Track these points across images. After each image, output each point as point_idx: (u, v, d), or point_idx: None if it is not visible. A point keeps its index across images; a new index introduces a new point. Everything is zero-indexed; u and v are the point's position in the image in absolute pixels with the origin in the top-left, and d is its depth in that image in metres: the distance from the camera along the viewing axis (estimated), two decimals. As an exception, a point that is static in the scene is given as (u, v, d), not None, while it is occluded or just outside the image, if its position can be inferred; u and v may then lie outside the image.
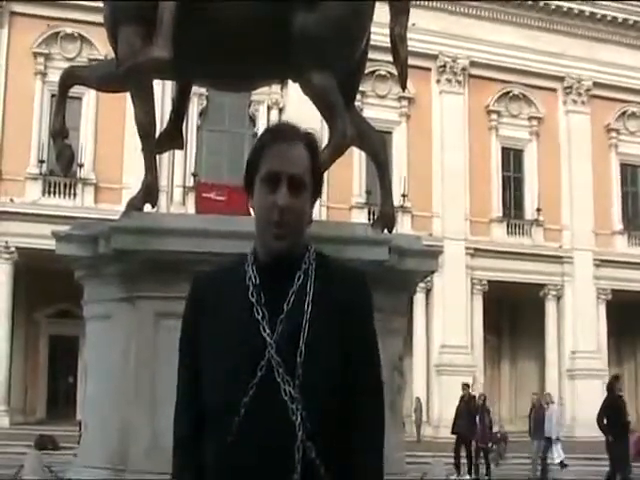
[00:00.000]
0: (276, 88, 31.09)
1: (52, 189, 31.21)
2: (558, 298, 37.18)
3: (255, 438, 2.04)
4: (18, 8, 31.58)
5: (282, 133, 2.24)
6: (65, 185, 31.30)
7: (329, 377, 2.10)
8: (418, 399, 32.94)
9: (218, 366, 2.13)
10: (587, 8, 37.90)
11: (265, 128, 2.31)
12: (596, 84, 38.08)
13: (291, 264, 2.19)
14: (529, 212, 37.50)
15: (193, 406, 2.21)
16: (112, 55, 5.97)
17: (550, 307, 37.10)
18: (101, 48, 28.79)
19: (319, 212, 29.92)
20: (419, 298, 33.29)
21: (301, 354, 2.08)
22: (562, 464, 18.58)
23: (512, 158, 37.96)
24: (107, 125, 30.63)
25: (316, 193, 2.26)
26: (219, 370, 2.12)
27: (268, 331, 2.10)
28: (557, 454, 20.42)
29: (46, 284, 29.87)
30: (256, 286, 2.17)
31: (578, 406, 35.44)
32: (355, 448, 2.14)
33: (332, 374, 2.11)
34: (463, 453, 19.56)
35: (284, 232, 2.15)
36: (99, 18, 7.54)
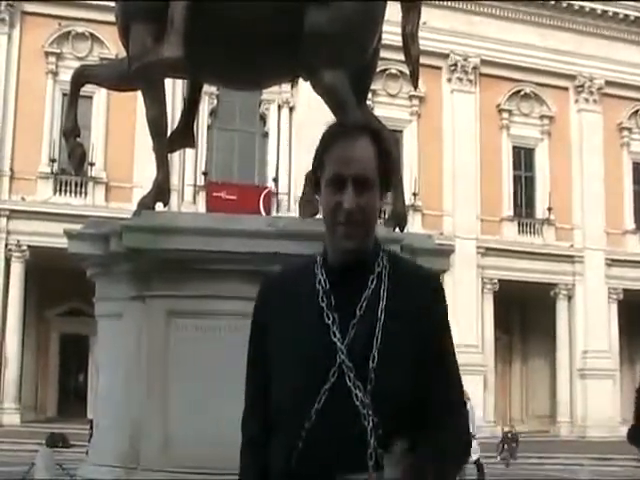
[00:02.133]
0: (287, 87, 31.07)
1: (63, 188, 31.28)
2: (569, 297, 37.05)
3: (326, 443, 2.02)
4: (30, 8, 31.66)
5: (344, 131, 2.20)
6: (76, 184, 31.36)
7: (401, 384, 2.07)
8: None
9: (289, 370, 2.11)
10: (599, 6, 37.72)
11: (328, 126, 2.27)
12: (608, 82, 37.91)
13: (363, 266, 2.16)
14: (540, 211, 37.37)
15: (262, 407, 2.19)
16: (123, 54, 5.97)
17: (561, 306, 36.96)
18: (112, 47, 28.86)
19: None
20: (429, 297, 33.18)
21: (374, 360, 2.05)
22: (477, 463, 17.73)
23: (523, 157, 37.84)
24: (118, 124, 30.68)
25: (386, 186, 2.21)
26: (290, 374, 2.10)
27: (339, 336, 2.07)
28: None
29: (57, 282, 29.96)
30: (326, 290, 2.13)
31: (590, 406, 35.33)
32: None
33: (404, 381, 2.07)
34: None
35: (353, 232, 2.12)
36: (110, 17, 7.56)
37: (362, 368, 2.04)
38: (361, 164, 2.13)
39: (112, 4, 6.15)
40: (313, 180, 2.25)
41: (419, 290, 2.18)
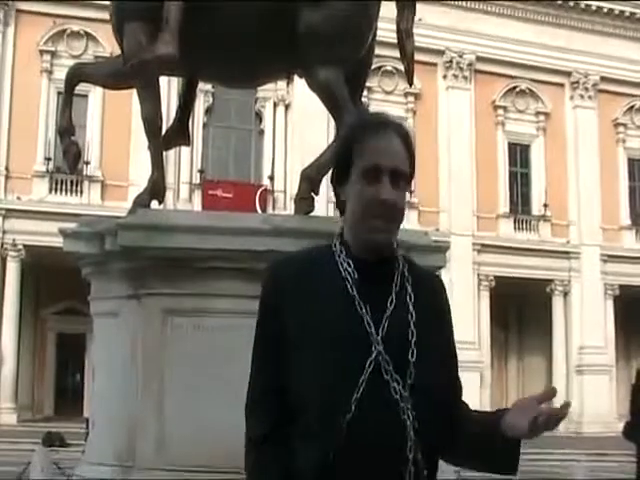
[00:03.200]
0: (282, 84, 31.05)
1: (59, 187, 31.24)
2: (565, 294, 37.10)
3: (365, 437, 1.97)
4: (24, 6, 31.59)
5: (375, 125, 2.17)
6: (72, 182, 31.32)
7: (438, 377, 2.07)
8: None
9: (321, 364, 2.01)
10: (594, 2, 37.73)
11: (356, 121, 2.26)
12: (603, 79, 37.94)
13: (388, 262, 2.15)
14: (536, 207, 37.41)
15: (276, 400, 2.09)
16: (118, 52, 5.96)
17: (557, 303, 37.01)
18: (107, 45, 28.84)
19: (326, 208, 29.91)
20: (426, 294, 33.18)
21: (413, 354, 2.03)
22: None
23: (519, 153, 37.86)
24: (113, 122, 30.63)
25: (410, 182, 2.23)
26: (319, 364, 2.01)
27: (373, 327, 2.03)
28: None
29: (53, 281, 29.94)
30: (356, 280, 2.08)
31: (586, 401, 35.37)
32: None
33: (440, 374, 2.08)
34: None
35: (385, 226, 2.10)
36: (105, 15, 7.54)
37: (400, 361, 2.01)
38: (398, 157, 2.14)
39: (107, 2, 6.13)
40: (337, 172, 2.18)
41: (434, 290, 2.22)
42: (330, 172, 2.26)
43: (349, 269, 2.09)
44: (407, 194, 2.22)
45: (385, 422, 1.98)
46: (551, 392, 2.01)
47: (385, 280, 2.11)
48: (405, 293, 2.10)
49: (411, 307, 2.08)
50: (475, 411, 2.21)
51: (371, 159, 2.10)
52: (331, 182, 2.22)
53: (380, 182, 2.09)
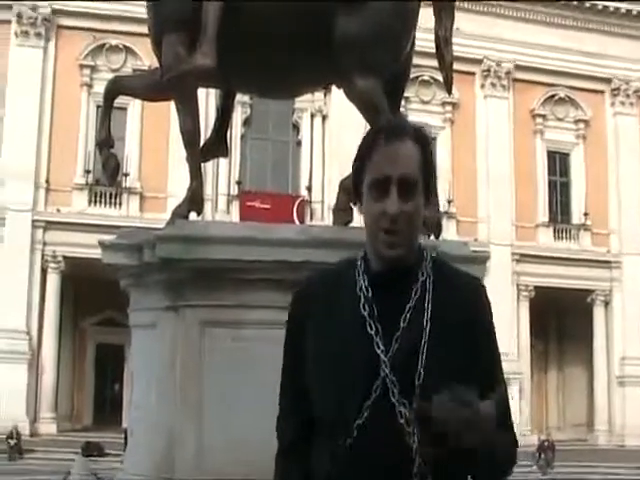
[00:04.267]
0: (319, 95, 31.14)
1: (98, 199, 31.61)
2: (606, 304, 36.66)
3: (368, 462, 1.92)
4: (65, 22, 32.12)
5: (387, 132, 2.07)
6: (111, 195, 31.68)
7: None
8: None
9: (329, 380, 1.99)
10: (635, 7, 37.34)
11: (369, 129, 2.17)
12: (645, 85, 37.56)
13: (407, 274, 2.05)
14: (576, 216, 37.05)
15: (299, 413, 2.10)
16: (156, 65, 5.99)
17: (598, 313, 36.58)
18: (145, 58, 29.14)
19: (360, 220, 29.83)
20: (464, 305, 32.93)
21: (420, 377, 1.94)
22: None
23: (558, 162, 37.55)
24: (152, 134, 30.94)
25: (429, 190, 2.09)
26: (331, 385, 1.99)
27: (382, 348, 1.96)
28: None
29: (92, 293, 30.25)
30: (368, 298, 2.02)
31: (628, 413, 34.88)
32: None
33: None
34: None
35: (397, 240, 2.01)
36: (143, 29, 7.59)
37: (407, 383, 1.93)
38: (406, 165, 2.02)
39: (145, 16, 6.17)
40: (353, 185, 2.13)
41: (465, 301, 2.06)
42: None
43: (364, 285, 2.04)
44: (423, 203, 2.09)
45: (389, 447, 1.92)
46: None
47: (403, 295, 2.03)
48: (423, 309, 2.01)
49: (426, 325, 1.98)
50: None
51: (378, 170, 2.02)
52: (352, 193, 2.16)
53: (387, 194, 2.00)
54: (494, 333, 2.11)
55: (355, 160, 2.11)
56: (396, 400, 1.93)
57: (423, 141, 2.08)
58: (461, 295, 2.07)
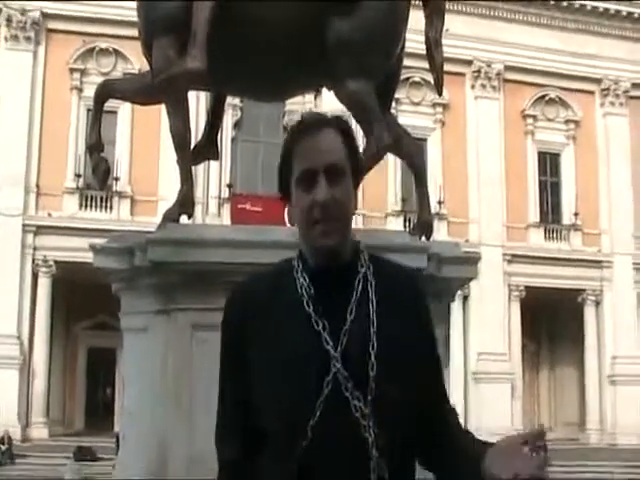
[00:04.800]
0: (310, 97, 31.14)
1: (89, 203, 31.54)
2: (597, 303, 36.77)
3: (326, 461, 1.89)
4: (54, 25, 32.05)
5: (307, 125, 2.06)
6: (101, 198, 31.61)
7: (403, 389, 1.95)
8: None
9: (275, 385, 1.95)
10: (624, 8, 37.49)
11: (289, 127, 2.15)
12: (635, 85, 37.65)
13: (346, 267, 2.03)
14: (567, 217, 37.15)
15: (241, 426, 2.04)
16: (146, 68, 5.98)
17: (589, 312, 36.68)
18: (135, 62, 29.11)
19: (354, 220, 29.83)
20: (456, 305, 33.04)
21: (373, 367, 1.92)
22: None
23: (549, 162, 37.65)
24: (142, 138, 30.89)
25: (357, 179, 2.08)
26: (277, 390, 1.95)
27: (331, 343, 1.93)
28: None
29: (84, 297, 30.18)
30: (311, 296, 1.99)
31: (620, 413, 34.98)
32: (454, 436, 2.03)
33: (407, 386, 1.96)
34: None
35: (330, 227, 1.99)
36: (133, 32, 7.59)
37: (359, 377, 1.91)
38: (330, 153, 2.00)
39: (135, 19, 6.16)
40: (280, 186, 2.10)
41: (406, 290, 2.07)
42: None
43: (305, 283, 2.01)
44: (353, 191, 2.07)
45: (346, 443, 1.89)
46: (539, 434, 1.91)
47: (345, 289, 2.00)
48: (367, 301, 1.99)
49: (372, 315, 1.97)
50: (463, 431, 2.08)
51: (302, 163, 2.01)
52: (279, 192, 2.13)
53: (316, 185, 1.98)
54: (432, 322, 2.13)
55: (280, 160, 2.09)
56: (350, 394, 1.90)
57: (345, 129, 2.06)
58: (401, 286, 2.07)
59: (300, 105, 33.11)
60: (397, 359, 1.95)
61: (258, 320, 2.02)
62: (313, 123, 2.06)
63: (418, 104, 35.16)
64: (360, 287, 2.00)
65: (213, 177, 32.35)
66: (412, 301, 2.06)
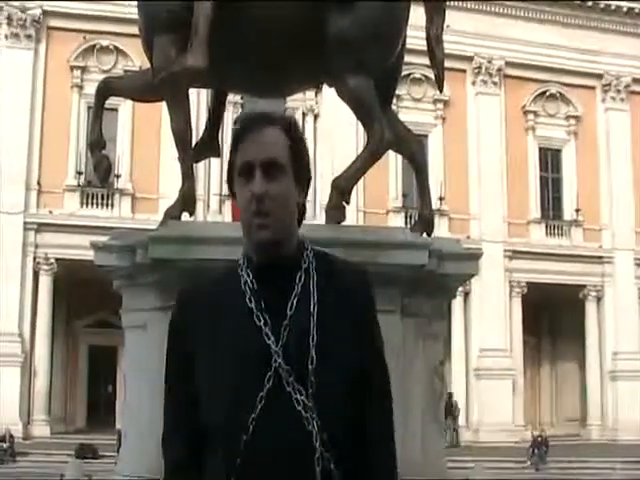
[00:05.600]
0: (311, 94, 31.12)
1: (90, 200, 31.54)
2: (598, 299, 36.74)
3: (268, 455, 1.90)
4: (55, 23, 32.02)
5: (251, 121, 2.09)
6: (103, 196, 31.61)
7: (343, 382, 1.97)
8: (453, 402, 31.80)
9: (219, 382, 1.97)
10: (625, 3, 37.42)
11: (238, 121, 2.17)
12: (636, 80, 37.59)
13: (288, 263, 2.05)
14: (568, 212, 37.11)
15: (188, 426, 2.06)
16: (147, 66, 5.98)
17: (590, 308, 36.66)
18: (136, 59, 29.07)
19: (356, 217, 29.84)
20: (457, 301, 33.03)
21: (312, 361, 1.93)
22: None
23: (550, 158, 37.60)
24: (143, 135, 30.88)
25: (303, 179, 2.10)
26: (220, 386, 1.96)
27: (272, 338, 1.95)
28: None
29: (85, 294, 30.18)
30: (254, 291, 2.01)
31: (621, 408, 34.99)
32: (369, 449, 2.04)
33: (346, 378, 1.98)
34: None
35: (266, 221, 2.00)
36: (134, 30, 7.57)
37: (300, 371, 1.93)
38: (269, 149, 2.03)
39: (136, 17, 6.15)
40: (228, 181, 2.14)
41: (351, 287, 2.07)
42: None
43: (248, 279, 2.03)
44: (297, 189, 2.09)
45: (289, 436, 1.90)
46: None
47: (288, 284, 2.02)
48: (308, 295, 2.00)
49: (313, 310, 1.98)
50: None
51: (242, 157, 2.05)
52: (229, 189, 2.16)
53: (253, 178, 2.02)
54: (376, 318, 2.12)
55: (229, 155, 2.12)
56: (292, 389, 1.92)
57: (289, 127, 2.08)
58: (346, 283, 2.07)
59: (301, 102, 33.11)
60: (334, 353, 1.96)
61: (204, 319, 2.03)
62: (257, 120, 2.09)
63: (419, 100, 35.12)
64: (301, 282, 2.02)
65: (214, 174, 32.30)
66: (355, 297, 2.06)
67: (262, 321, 1.97)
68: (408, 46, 5.98)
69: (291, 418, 1.91)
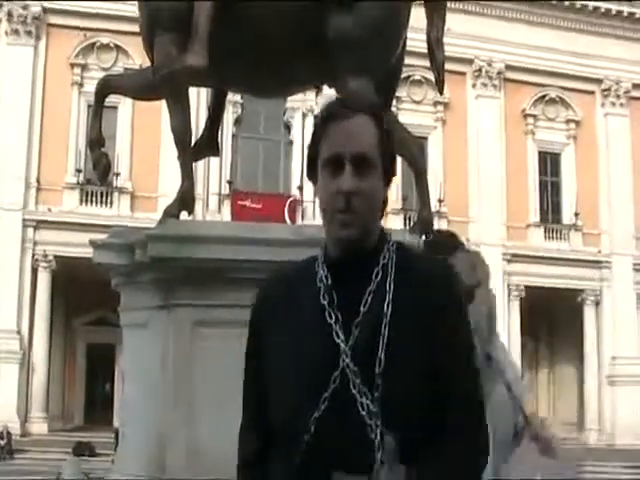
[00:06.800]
0: (311, 95, 31.11)
1: (89, 198, 31.53)
2: (597, 303, 36.75)
3: (328, 458, 1.82)
4: (55, 20, 32.01)
5: (340, 109, 1.97)
6: (102, 194, 31.60)
7: (413, 389, 1.84)
8: None
9: (285, 379, 1.90)
10: (625, 8, 37.46)
11: (323, 106, 2.05)
12: (635, 86, 37.63)
13: (367, 258, 1.94)
14: (567, 216, 37.13)
15: (260, 422, 2.00)
16: (147, 64, 5.98)
17: (589, 312, 36.67)
18: (136, 57, 29.04)
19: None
20: (455, 304, 32.89)
21: (380, 363, 1.83)
22: None
23: (549, 162, 37.62)
24: (143, 134, 30.87)
25: (389, 172, 1.99)
26: (286, 383, 1.90)
27: (342, 337, 1.86)
28: None
29: (84, 292, 30.15)
30: (328, 286, 1.92)
31: (619, 413, 34.99)
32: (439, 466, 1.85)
33: (417, 386, 1.85)
34: None
35: (351, 219, 1.90)
36: (135, 28, 7.58)
37: (368, 373, 1.82)
38: (361, 142, 1.92)
39: (136, 15, 6.16)
40: (308, 168, 2.02)
41: (432, 287, 1.93)
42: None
43: (323, 274, 1.95)
44: (383, 185, 1.99)
45: (350, 441, 1.81)
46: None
47: (364, 280, 1.92)
48: (384, 292, 1.89)
49: (387, 309, 1.87)
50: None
51: (330, 148, 1.93)
52: (307, 171, 2.05)
53: (342, 172, 1.90)
54: (463, 322, 1.98)
55: (310, 141, 2.01)
56: (357, 391, 1.82)
57: (380, 118, 1.99)
58: (427, 282, 1.94)
59: (301, 102, 33.12)
60: (407, 358, 1.85)
61: (277, 316, 1.98)
62: (346, 107, 1.98)
63: (419, 102, 35.14)
64: (378, 278, 1.92)
65: (213, 174, 32.32)
66: (438, 301, 1.92)
67: (333, 318, 1.88)
68: (408, 48, 5.99)
69: (354, 422, 1.81)
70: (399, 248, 1.99)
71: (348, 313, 1.88)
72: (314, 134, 1.99)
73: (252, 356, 2.04)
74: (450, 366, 1.90)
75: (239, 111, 33.27)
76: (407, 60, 6.17)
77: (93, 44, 32.40)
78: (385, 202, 2.00)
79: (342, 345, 1.85)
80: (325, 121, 1.96)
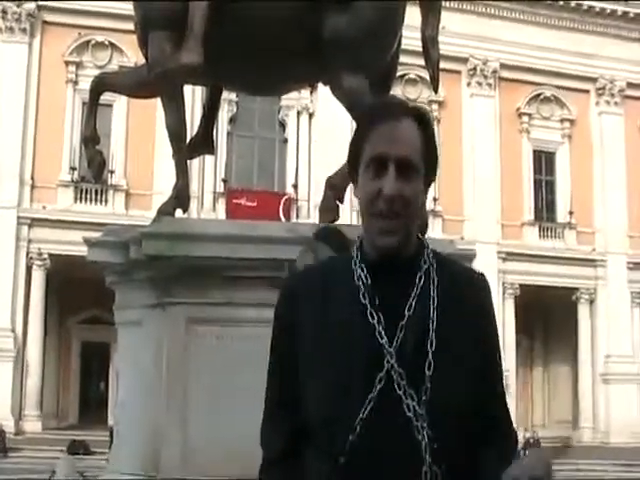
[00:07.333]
0: (306, 93, 31.11)
1: (83, 196, 31.46)
2: (591, 302, 36.80)
3: (374, 459, 1.79)
4: (50, 18, 31.94)
5: (387, 110, 1.94)
6: (96, 192, 31.53)
7: (461, 392, 1.85)
8: None
9: (326, 376, 1.85)
10: (620, 7, 37.50)
11: (368, 106, 2.06)
12: (630, 84, 37.68)
13: (407, 262, 1.92)
14: (561, 215, 37.17)
15: (288, 419, 1.95)
16: (142, 62, 5.98)
17: (583, 311, 36.72)
18: (131, 55, 29.01)
19: (350, 218, 29.84)
20: (450, 303, 32.94)
21: (430, 366, 1.81)
22: None
23: (544, 161, 37.65)
24: (138, 131, 30.82)
25: (430, 176, 1.97)
26: (328, 381, 1.85)
27: (386, 338, 1.83)
28: None
29: (78, 290, 30.11)
30: (367, 286, 1.88)
31: (613, 411, 35.05)
32: (488, 464, 1.89)
33: (464, 388, 1.85)
34: None
35: (393, 225, 1.86)
36: (129, 25, 7.57)
37: (414, 375, 1.80)
38: (405, 145, 1.89)
39: (131, 12, 6.15)
40: (349, 168, 1.98)
41: (470, 291, 1.95)
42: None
43: (362, 274, 1.90)
44: (424, 190, 1.98)
45: (396, 442, 1.79)
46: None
47: (405, 283, 1.89)
48: (428, 297, 1.88)
49: (432, 314, 1.86)
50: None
51: (374, 148, 1.88)
52: (348, 167, 2.01)
53: (384, 174, 1.87)
54: (496, 327, 2.02)
55: (352, 140, 1.97)
56: (403, 393, 1.80)
57: (425, 121, 1.97)
58: (466, 286, 1.95)
59: (296, 101, 33.11)
60: (454, 361, 1.85)
61: (310, 313, 1.93)
62: (393, 108, 1.95)
63: (414, 101, 35.08)
64: (422, 283, 1.90)
65: (208, 172, 32.29)
66: (478, 304, 1.95)
67: (376, 319, 1.85)
68: (403, 47, 5.99)
69: (400, 423, 1.79)
70: (435, 253, 1.98)
71: (389, 315, 1.86)
72: (357, 132, 1.96)
73: (281, 354, 1.99)
74: (494, 366, 1.98)
75: (234, 109, 33.25)
76: (402, 58, 6.18)
77: (88, 42, 32.33)
78: (423, 206, 2.01)
79: (387, 346, 1.83)
80: (372, 121, 1.93)
